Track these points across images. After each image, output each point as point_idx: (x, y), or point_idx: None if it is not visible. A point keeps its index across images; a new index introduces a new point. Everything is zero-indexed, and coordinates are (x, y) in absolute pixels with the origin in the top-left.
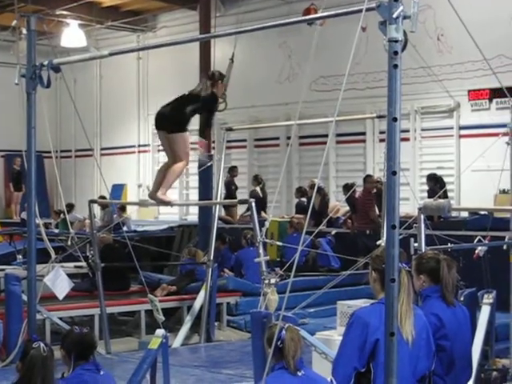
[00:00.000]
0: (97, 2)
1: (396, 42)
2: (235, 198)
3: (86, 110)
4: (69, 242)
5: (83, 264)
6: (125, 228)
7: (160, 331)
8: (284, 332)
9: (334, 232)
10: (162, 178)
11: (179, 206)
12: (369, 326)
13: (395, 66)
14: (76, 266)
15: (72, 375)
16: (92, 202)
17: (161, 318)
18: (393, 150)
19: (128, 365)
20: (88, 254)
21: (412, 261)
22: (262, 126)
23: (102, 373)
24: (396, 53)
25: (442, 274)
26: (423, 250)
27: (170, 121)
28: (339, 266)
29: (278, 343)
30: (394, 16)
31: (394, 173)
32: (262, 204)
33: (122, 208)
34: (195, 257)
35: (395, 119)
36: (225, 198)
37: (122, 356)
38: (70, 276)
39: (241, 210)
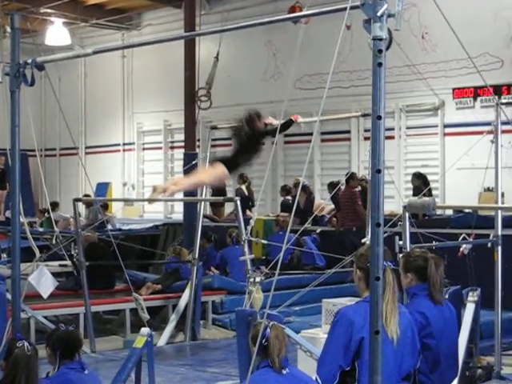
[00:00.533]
0: (81, 0)
1: (380, 40)
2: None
3: (70, 109)
4: (53, 241)
5: (68, 263)
6: (109, 226)
7: (145, 330)
8: (269, 330)
9: (318, 230)
10: (186, 179)
11: (164, 204)
12: (354, 324)
13: (380, 65)
14: (61, 265)
15: (57, 374)
16: (76, 200)
17: (146, 316)
18: (377, 148)
19: (113, 363)
20: (73, 252)
21: (397, 259)
22: None
23: (86, 372)
24: (380, 51)
25: (429, 272)
26: (408, 248)
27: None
28: (324, 264)
29: (263, 341)
30: (379, 14)
31: (379, 171)
32: (247, 202)
33: (105, 206)
34: (180, 255)
35: (379, 117)
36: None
37: (107, 355)
38: (55, 275)
39: (229, 208)
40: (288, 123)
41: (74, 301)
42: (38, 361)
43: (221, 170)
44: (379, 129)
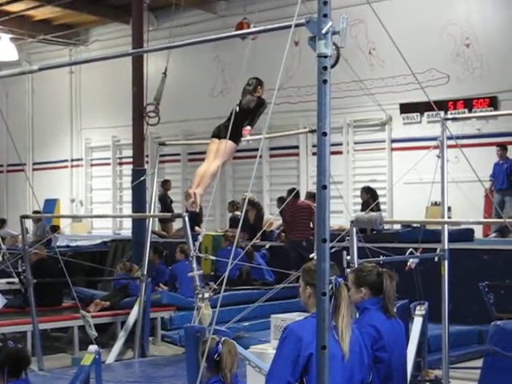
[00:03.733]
0: (29, 16)
1: (325, 57)
2: (171, 211)
3: (18, 124)
4: (0, 258)
5: (15, 280)
6: (58, 243)
7: (93, 347)
8: (221, 346)
9: (267, 245)
10: (201, 178)
11: (113, 220)
12: (302, 340)
13: (325, 82)
14: (8, 282)
15: None
16: (24, 217)
17: (93, 333)
18: (323, 164)
19: (61, 381)
20: (20, 269)
21: (347, 274)
22: (195, 143)
23: None
24: (325, 68)
25: (384, 286)
26: (355, 263)
27: (230, 132)
28: (273, 280)
29: (215, 356)
30: (323, 32)
31: (325, 187)
32: (198, 218)
33: (55, 229)
34: (130, 271)
35: (325, 134)
36: (161, 212)
37: (55, 373)
38: (3, 292)
39: (178, 224)
40: None
41: (21, 318)
42: None
43: (230, 145)
44: (324, 145)
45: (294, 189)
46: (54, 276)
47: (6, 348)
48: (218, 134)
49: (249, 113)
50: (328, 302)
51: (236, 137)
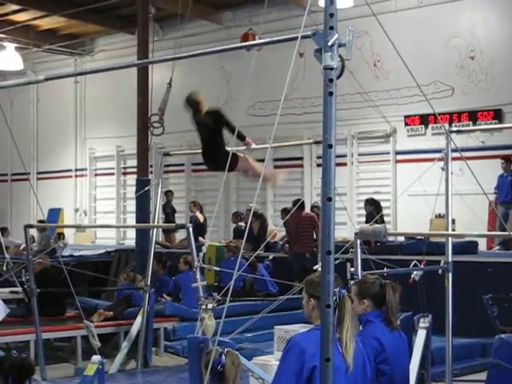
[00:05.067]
0: (34, 26)
1: (331, 69)
2: (173, 222)
3: (22, 134)
4: (4, 267)
5: (19, 289)
6: (62, 253)
7: (96, 357)
8: (223, 357)
9: (271, 257)
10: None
11: (116, 230)
12: (305, 352)
13: (330, 94)
14: (12, 292)
15: None
16: (28, 226)
17: (97, 343)
18: (328, 176)
19: None
20: (23, 279)
21: (350, 286)
22: (199, 153)
23: None
24: (331, 80)
25: (387, 298)
26: (359, 275)
27: (218, 162)
28: (276, 291)
29: (219, 367)
30: (329, 44)
31: (330, 199)
32: (202, 229)
33: (60, 236)
34: (134, 281)
35: (330, 146)
36: (164, 223)
37: (58, 382)
38: (6, 302)
39: (181, 235)
40: (239, 135)
41: (24, 328)
42: None
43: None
44: (330, 157)
45: (299, 199)
46: (57, 286)
47: (11, 358)
48: (216, 166)
49: (216, 127)
50: (332, 314)
51: (223, 152)
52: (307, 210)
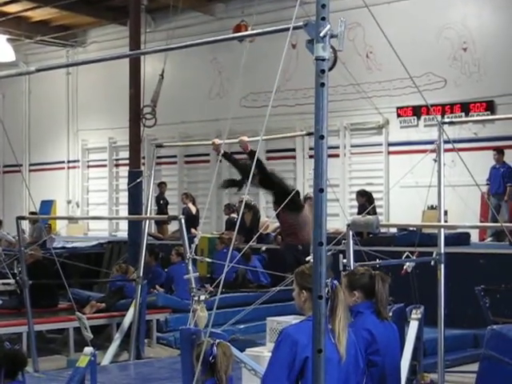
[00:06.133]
0: (26, 17)
1: (323, 60)
2: (166, 214)
3: (14, 125)
4: None
5: (11, 281)
6: (53, 244)
7: (88, 349)
8: (215, 348)
9: (264, 248)
10: None
11: (109, 222)
12: (298, 343)
13: (322, 85)
14: (4, 284)
15: None
16: (20, 218)
17: (89, 335)
18: (320, 167)
19: (56, 383)
20: (16, 270)
21: (341, 277)
22: (191, 144)
23: None
24: (323, 71)
25: (376, 288)
26: (352, 266)
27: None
28: (268, 282)
29: (210, 359)
30: (321, 35)
31: (322, 190)
32: (194, 221)
33: (49, 226)
34: (126, 273)
35: (322, 137)
36: (156, 214)
37: (50, 374)
38: None
39: (174, 227)
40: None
41: (17, 320)
42: None
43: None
44: (322, 148)
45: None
46: (49, 277)
47: (3, 349)
48: None
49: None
50: (325, 306)
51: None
52: None
